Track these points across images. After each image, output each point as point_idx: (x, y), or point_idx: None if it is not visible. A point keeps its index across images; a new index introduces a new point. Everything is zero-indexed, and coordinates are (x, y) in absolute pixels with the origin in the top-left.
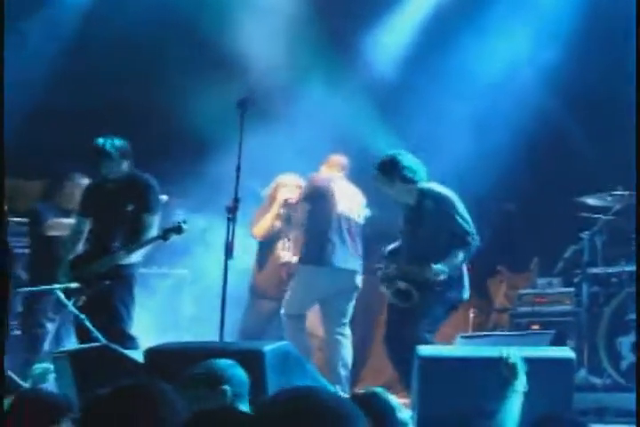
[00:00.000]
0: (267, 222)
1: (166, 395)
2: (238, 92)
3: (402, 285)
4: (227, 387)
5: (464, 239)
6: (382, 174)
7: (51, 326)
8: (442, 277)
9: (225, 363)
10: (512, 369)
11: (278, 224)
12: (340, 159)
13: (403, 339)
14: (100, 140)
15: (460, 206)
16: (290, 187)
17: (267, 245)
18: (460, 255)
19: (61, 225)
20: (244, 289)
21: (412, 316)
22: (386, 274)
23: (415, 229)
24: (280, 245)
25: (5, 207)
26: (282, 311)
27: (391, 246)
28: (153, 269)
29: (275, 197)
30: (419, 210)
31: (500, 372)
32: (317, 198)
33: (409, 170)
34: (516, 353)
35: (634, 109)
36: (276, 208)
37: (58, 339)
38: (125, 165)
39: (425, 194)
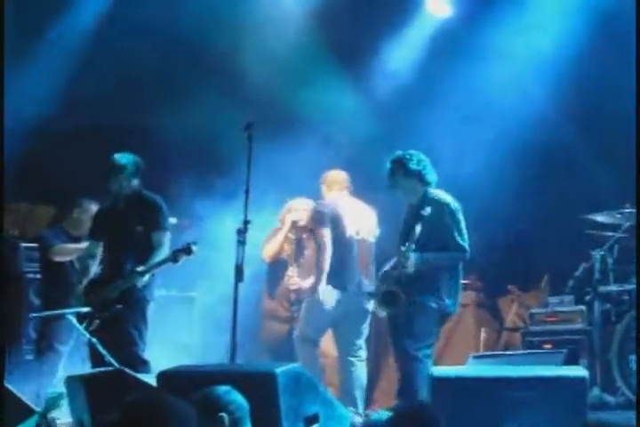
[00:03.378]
0: (275, 245)
1: (176, 408)
2: (245, 114)
3: (384, 288)
4: (224, 414)
5: (455, 251)
6: (398, 167)
7: (63, 351)
8: (411, 268)
9: (221, 390)
10: None
11: (288, 248)
12: (337, 176)
13: (397, 352)
14: (117, 155)
15: (460, 219)
16: (299, 211)
17: (277, 269)
18: (443, 258)
19: (68, 250)
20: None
21: (401, 329)
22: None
23: (410, 230)
24: (290, 269)
25: (17, 232)
26: (295, 334)
27: (386, 267)
28: (162, 291)
29: (284, 221)
30: (418, 212)
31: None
32: (324, 225)
33: (423, 168)
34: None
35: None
36: (284, 231)
37: (71, 363)
38: (136, 183)
39: (429, 197)
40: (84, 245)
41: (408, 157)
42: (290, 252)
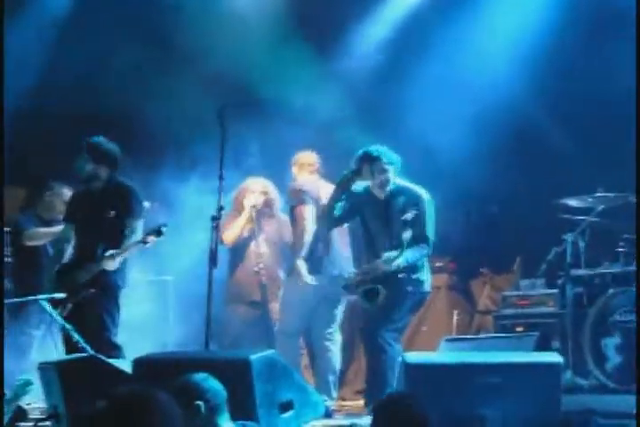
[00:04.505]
0: (237, 230)
1: (162, 403)
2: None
3: (366, 286)
4: (200, 403)
5: (422, 244)
6: (362, 164)
7: (35, 335)
8: (393, 268)
9: (198, 377)
10: None
11: (247, 229)
12: (308, 157)
13: (368, 336)
14: (93, 138)
15: (431, 211)
16: (256, 194)
17: (237, 252)
18: (416, 255)
19: (41, 234)
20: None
21: (373, 313)
22: (347, 281)
23: (379, 224)
24: (252, 250)
25: None
26: (276, 329)
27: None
28: (137, 276)
29: (241, 202)
30: (388, 205)
31: (484, 377)
32: (306, 203)
33: (388, 163)
34: None
35: (634, 113)
36: (244, 215)
37: (44, 348)
38: (106, 169)
39: (399, 190)
40: (56, 228)
41: (372, 154)
42: (249, 232)
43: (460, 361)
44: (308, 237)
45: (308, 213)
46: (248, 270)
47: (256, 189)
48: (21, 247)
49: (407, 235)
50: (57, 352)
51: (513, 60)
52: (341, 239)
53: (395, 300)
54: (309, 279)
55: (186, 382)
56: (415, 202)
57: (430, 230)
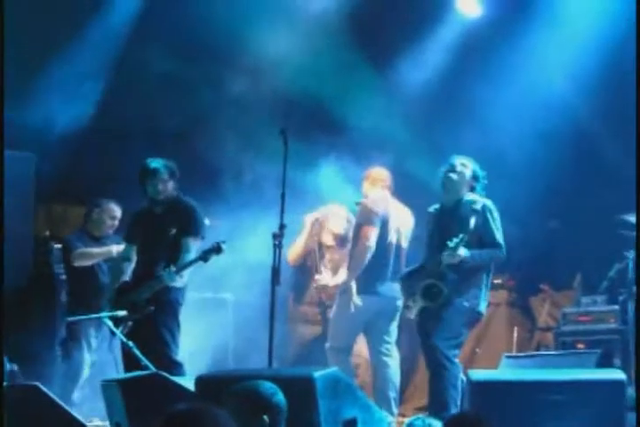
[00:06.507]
0: (298, 249)
1: (219, 420)
2: (276, 119)
3: (428, 281)
4: (265, 417)
5: (495, 249)
6: (463, 169)
7: (91, 354)
8: (457, 258)
9: (268, 389)
10: None
11: (310, 249)
12: (380, 173)
13: (430, 352)
14: (150, 160)
15: (498, 217)
16: (343, 219)
17: (301, 271)
18: (484, 255)
19: (88, 255)
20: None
21: (431, 328)
22: (407, 294)
23: (445, 234)
24: (318, 269)
25: (48, 232)
26: (327, 345)
27: (407, 270)
28: (196, 293)
29: (323, 226)
30: (455, 212)
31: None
32: (373, 225)
33: (483, 178)
34: None
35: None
36: (304, 235)
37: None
38: (171, 187)
39: (466, 199)
40: (105, 249)
41: (473, 168)
42: (316, 256)
43: (524, 379)
44: (367, 259)
45: (373, 236)
46: (314, 288)
47: (342, 215)
48: (70, 267)
49: (471, 226)
50: (117, 370)
51: (571, 76)
52: (401, 261)
53: (452, 315)
54: (359, 300)
55: (256, 391)
56: (485, 212)
57: (500, 237)
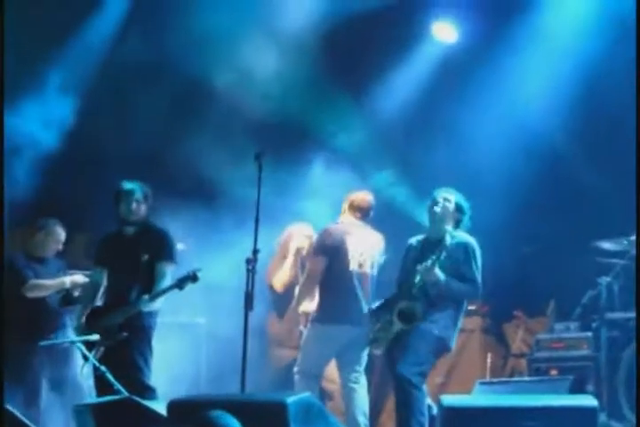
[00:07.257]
0: (285, 274)
1: None
2: (252, 142)
3: (402, 304)
4: None
5: (471, 285)
6: (450, 203)
7: (46, 380)
8: (433, 279)
9: (214, 414)
10: None
11: (294, 274)
12: (363, 201)
13: (396, 379)
14: (126, 181)
15: (479, 256)
16: (301, 237)
17: (284, 295)
18: (460, 286)
19: (42, 287)
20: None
21: (398, 355)
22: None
23: (421, 259)
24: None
25: None
26: (295, 369)
27: (376, 304)
28: (169, 318)
29: (287, 247)
30: (440, 249)
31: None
32: (331, 254)
33: (464, 211)
34: None
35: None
36: (291, 259)
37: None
38: (144, 210)
39: (454, 236)
40: (59, 280)
41: (464, 205)
42: (295, 277)
43: (496, 404)
44: (312, 289)
45: (319, 266)
46: (295, 315)
47: (303, 233)
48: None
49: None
50: (90, 395)
51: (549, 101)
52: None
53: (419, 341)
54: (330, 329)
55: (202, 419)
56: (464, 245)
57: (478, 276)
